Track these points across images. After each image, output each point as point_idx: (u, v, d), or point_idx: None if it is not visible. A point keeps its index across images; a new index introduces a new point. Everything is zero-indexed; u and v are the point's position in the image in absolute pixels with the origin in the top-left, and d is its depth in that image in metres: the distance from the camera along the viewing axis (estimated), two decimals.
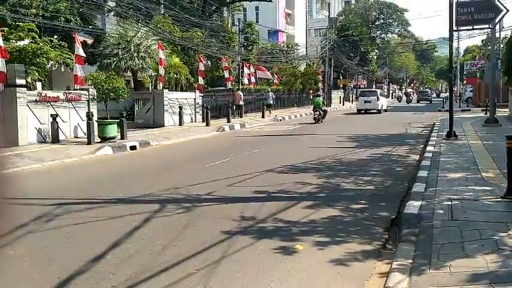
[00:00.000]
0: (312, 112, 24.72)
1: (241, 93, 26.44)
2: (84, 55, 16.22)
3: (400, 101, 57.82)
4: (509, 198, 6.09)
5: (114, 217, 6.20)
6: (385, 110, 33.61)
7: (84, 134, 14.63)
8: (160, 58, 20.17)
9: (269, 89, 31.95)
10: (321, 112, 24.04)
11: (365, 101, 32.84)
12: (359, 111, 32.79)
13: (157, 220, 6.08)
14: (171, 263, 4.49)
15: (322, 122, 23.67)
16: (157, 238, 5.27)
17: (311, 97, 42.05)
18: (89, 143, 13.75)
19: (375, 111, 32.02)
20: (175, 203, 6.90)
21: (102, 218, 6.20)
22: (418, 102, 52.76)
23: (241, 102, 26.08)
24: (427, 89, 69.40)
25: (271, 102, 30.42)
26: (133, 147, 13.95)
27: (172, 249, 4.91)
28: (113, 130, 14.52)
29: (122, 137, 14.87)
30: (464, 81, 51.32)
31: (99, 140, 14.24)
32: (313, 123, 23.22)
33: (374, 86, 66.14)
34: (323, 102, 26.18)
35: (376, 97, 32.68)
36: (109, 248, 4.97)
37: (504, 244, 4.40)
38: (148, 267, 4.42)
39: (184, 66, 24.13)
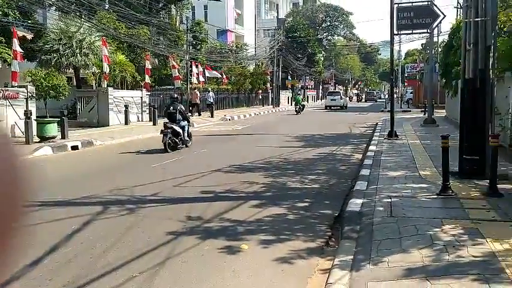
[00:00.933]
0: (294, 106, 34.20)
1: (197, 92, 27.83)
2: (22, 51, 15.43)
3: (351, 100, 63.90)
4: (444, 195, 6.42)
5: (52, 220, 5.92)
6: (346, 107, 40.62)
7: (22, 133, 13.90)
8: (104, 55, 19.54)
9: (209, 88, 30.36)
10: (301, 106, 32.95)
11: (331, 99, 40.38)
12: (326, 107, 40.01)
13: (99, 222, 5.89)
14: (112, 267, 4.36)
15: (301, 113, 31.57)
16: (98, 241, 5.10)
17: (260, 97, 42.64)
18: (27, 142, 13.07)
19: (339, 107, 39.26)
20: (119, 205, 6.71)
21: (38, 221, 5.89)
22: (366, 101, 63.25)
23: (198, 101, 27.75)
24: (372, 91, 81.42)
25: (212, 101, 29.00)
26: (75, 147, 13.42)
27: (114, 252, 4.77)
28: (52, 129, 13.91)
29: (63, 137, 14.28)
30: (405, 83, 53.66)
31: (38, 139, 13.59)
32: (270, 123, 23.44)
33: (321, 86, 67.79)
34: (302, 99, 37.21)
35: (339, 96, 41.15)
36: (46, 252, 4.75)
37: (438, 239, 4.62)
38: (88, 271, 4.27)
39: (130, 64, 23.53)
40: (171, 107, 13.31)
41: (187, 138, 13.32)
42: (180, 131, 12.84)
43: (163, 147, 12.32)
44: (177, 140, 12.71)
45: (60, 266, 4.41)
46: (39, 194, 7.45)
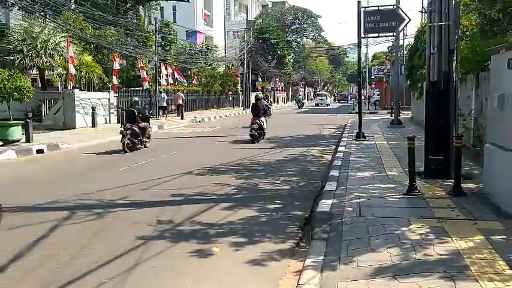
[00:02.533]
0: (295, 103, 49.63)
1: (181, 94, 28.85)
2: None
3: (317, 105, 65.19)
4: (411, 194, 6.58)
5: (16, 227, 5.74)
6: (328, 104, 55.20)
7: None
8: (70, 56, 19.07)
9: (161, 89, 27.63)
10: (301, 104, 48.02)
11: (320, 99, 56.52)
12: (316, 105, 54.67)
13: (65, 228, 5.73)
14: (80, 273, 4.26)
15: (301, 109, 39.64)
16: (65, 247, 4.97)
17: (230, 99, 42.66)
18: None
19: (325, 105, 53.63)
20: (86, 210, 6.56)
21: (1, 228, 5.70)
22: (339, 102, 71.52)
23: (181, 102, 27.86)
24: (344, 92, 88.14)
25: (164, 104, 26.67)
26: (40, 151, 13.03)
27: (81, 259, 4.66)
28: (16, 132, 13.49)
29: (28, 140, 13.85)
30: (372, 85, 54.73)
31: (1, 143, 13.14)
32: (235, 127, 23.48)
33: (290, 88, 68.29)
34: (301, 98, 55.04)
35: (326, 97, 58.22)
36: (10, 260, 4.59)
37: (406, 238, 4.73)
38: (54, 279, 4.15)
39: (97, 65, 23.03)
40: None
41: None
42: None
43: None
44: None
45: (25, 274, 4.27)
46: (2, 199, 7.20)
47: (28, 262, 4.57)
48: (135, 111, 13.61)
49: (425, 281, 3.66)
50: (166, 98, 27.29)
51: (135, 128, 13.11)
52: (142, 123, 13.62)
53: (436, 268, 3.88)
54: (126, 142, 12.69)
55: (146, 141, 13.85)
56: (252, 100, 42.74)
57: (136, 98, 15.46)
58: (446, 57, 7.63)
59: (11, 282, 4.10)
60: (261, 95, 18.11)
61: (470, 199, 6.24)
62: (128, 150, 12.66)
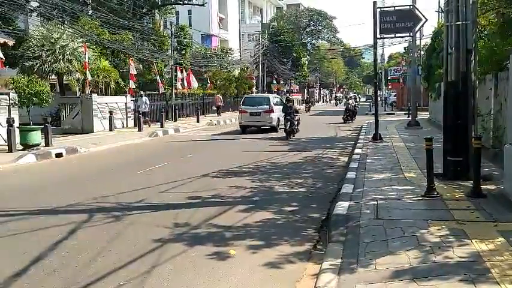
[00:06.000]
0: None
1: (220, 97, 33.83)
2: (3, 57, 15.20)
3: (336, 104, 64.17)
4: (429, 196, 6.49)
5: (37, 229, 5.83)
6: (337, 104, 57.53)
7: (5, 141, 13.65)
8: (85, 62, 19.37)
9: (142, 93, 23.24)
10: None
11: (346, 101, 59.88)
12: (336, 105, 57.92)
13: (85, 231, 5.81)
14: (99, 275, 4.31)
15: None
16: (84, 250, 5.03)
17: None
18: (9, 150, 12.88)
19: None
20: (104, 212, 6.63)
21: (23, 230, 5.81)
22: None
23: (220, 103, 33.50)
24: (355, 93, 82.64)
25: (146, 109, 22.39)
26: (59, 155, 13.23)
27: (100, 261, 4.71)
28: (36, 137, 13.71)
29: (47, 144, 14.07)
30: (389, 86, 54.20)
31: (21, 147, 13.39)
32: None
33: (306, 90, 68.18)
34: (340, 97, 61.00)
35: (354, 99, 58.11)
36: (31, 262, 4.67)
37: (425, 240, 4.67)
38: (74, 281, 4.20)
39: (114, 70, 23.33)
40: None
41: None
42: None
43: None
44: None
45: (45, 276, 4.34)
46: (23, 202, 7.34)
47: (48, 264, 4.64)
48: None
49: (445, 284, 3.61)
50: (148, 102, 23.03)
51: None
52: None
53: (456, 271, 3.82)
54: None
55: None
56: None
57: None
58: (464, 57, 7.53)
59: (32, 284, 4.16)
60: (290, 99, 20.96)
61: (490, 201, 6.13)
62: None
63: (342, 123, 25.36)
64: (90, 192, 8.01)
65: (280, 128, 19.24)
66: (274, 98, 22.37)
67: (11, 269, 4.48)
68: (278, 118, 20.12)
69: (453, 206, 5.97)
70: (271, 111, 20.20)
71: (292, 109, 17.82)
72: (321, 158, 12.12)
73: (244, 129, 20.45)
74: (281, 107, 19.81)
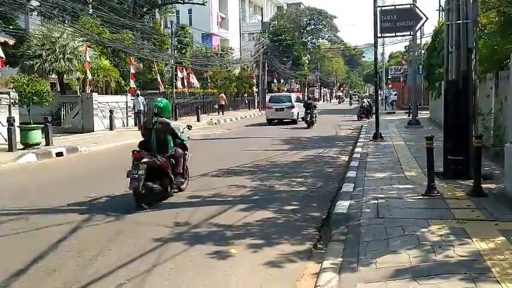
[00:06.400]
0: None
1: (224, 96, 34.42)
2: (4, 56, 15.20)
3: (339, 103, 68.00)
4: (430, 195, 6.49)
5: (37, 228, 5.84)
6: (351, 104, 57.64)
7: (6, 140, 13.67)
8: (85, 61, 19.37)
9: (138, 92, 22.76)
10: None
11: (350, 98, 63.10)
12: (350, 104, 57.01)
13: (85, 230, 5.81)
14: (99, 275, 4.31)
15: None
16: (84, 249, 5.03)
17: (246, 101, 42.82)
18: (10, 150, 12.90)
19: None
20: (104, 212, 6.63)
21: (23, 230, 5.82)
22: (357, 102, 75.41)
23: (223, 102, 33.97)
24: (357, 93, 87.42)
25: (141, 108, 21.84)
26: (59, 154, 13.24)
27: (101, 260, 4.71)
28: (36, 136, 13.73)
29: (47, 143, 14.09)
30: (389, 85, 54.17)
31: (21, 146, 13.40)
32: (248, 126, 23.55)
33: (306, 89, 68.20)
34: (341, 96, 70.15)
35: (358, 98, 60.74)
36: (31, 262, 4.67)
37: (425, 239, 4.66)
38: (74, 280, 4.20)
39: (114, 69, 23.34)
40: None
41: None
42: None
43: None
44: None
45: (46, 275, 4.34)
46: (24, 201, 7.34)
47: (48, 264, 4.64)
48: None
49: (446, 283, 3.61)
50: (145, 102, 22.38)
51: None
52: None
53: (457, 270, 3.82)
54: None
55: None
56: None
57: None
58: (464, 56, 7.52)
59: (32, 283, 4.16)
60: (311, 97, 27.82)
61: (490, 200, 6.12)
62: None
63: (355, 120, 27.32)
64: (90, 191, 8.00)
65: (299, 121, 24.05)
66: (294, 96, 27.77)
67: (11, 268, 4.48)
68: (298, 113, 24.76)
69: (454, 205, 5.96)
70: (293, 107, 24.84)
71: (312, 105, 22.35)
72: (321, 157, 12.11)
73: (270, 122, 25.09)
74: (300, 103, 25.38)
